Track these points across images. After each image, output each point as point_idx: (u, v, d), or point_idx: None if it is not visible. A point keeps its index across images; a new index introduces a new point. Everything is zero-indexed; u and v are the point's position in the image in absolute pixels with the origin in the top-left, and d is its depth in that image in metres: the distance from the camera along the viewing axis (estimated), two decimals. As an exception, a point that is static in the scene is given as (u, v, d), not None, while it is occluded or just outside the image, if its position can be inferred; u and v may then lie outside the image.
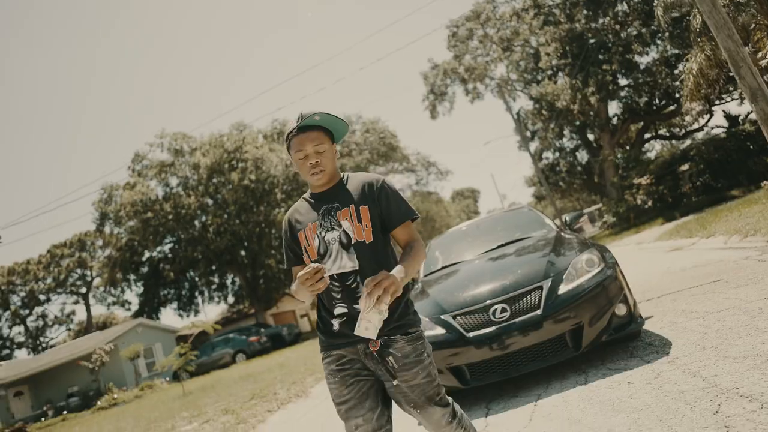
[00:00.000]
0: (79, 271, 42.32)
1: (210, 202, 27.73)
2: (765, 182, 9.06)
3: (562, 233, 4.52)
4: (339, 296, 1.73)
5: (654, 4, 12.79)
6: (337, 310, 1.74)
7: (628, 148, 29.46)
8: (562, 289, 3.38)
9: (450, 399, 1.77)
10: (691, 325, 3.59)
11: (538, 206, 54.55)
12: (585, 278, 3.42)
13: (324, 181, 1.80)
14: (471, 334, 3.34)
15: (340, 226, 1.74)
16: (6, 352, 42.21)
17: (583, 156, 31.06)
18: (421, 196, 33.47)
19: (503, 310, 3.34)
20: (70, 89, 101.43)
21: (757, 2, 11.76)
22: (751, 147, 17.68)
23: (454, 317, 3.46)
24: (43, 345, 43.51)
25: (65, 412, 18.34)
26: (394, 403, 1.78)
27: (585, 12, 21.34)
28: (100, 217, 29.26)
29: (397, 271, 1.62)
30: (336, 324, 1.73)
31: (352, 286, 1.71)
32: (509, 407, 3.18)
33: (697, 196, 19.21)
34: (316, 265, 1.58)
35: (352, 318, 1.67)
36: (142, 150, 28.39)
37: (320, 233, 1.75)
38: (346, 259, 1.72)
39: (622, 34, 22.12)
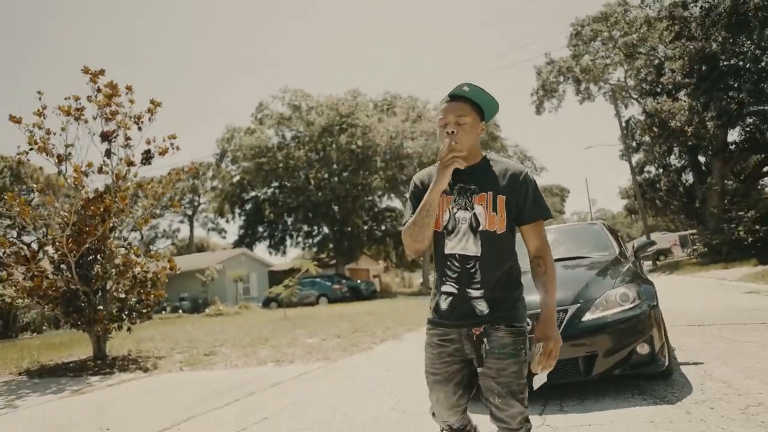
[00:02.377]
0: (190, 195, 47.77)
1: (316, 158, 30.40)
2: None
3: (621, 259, 4.59)
4: (455, 275, 1.73)
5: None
6: (446, 288, 1.74)
7: (742, 178, 28.01)
8: (587, 316, 3.47)
9: (528, 413, 1.76)
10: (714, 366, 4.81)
11: (627, 219, 52.35)
12: (613, 311, 3.49)
13: (460, 159, 1.68)
14: None
15: (473, 208, 1.72)
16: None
17: (688, 178, 29.91)
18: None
19: (528, 323, 3.72)
20: (218, 38, 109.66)
21: None
22: None
23: None
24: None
25: (180, 311, 22.11)
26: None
27: (724, 33, 20.52)
28: (220, 154, 33.11)
29: (552, 315, 1.73)
30: (444, 304, 1.74)
31: (471, 270, 1.70)
32: None
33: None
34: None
35: (459, 298, 1.71)
36: (266, 101, 31.51)
37: (452, 209, 1.74)
38: (471, 243, 1.71)
39: (762, 62, 21.06)
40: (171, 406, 4.71)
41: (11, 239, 7.48)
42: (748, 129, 23.07)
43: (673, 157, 29.83)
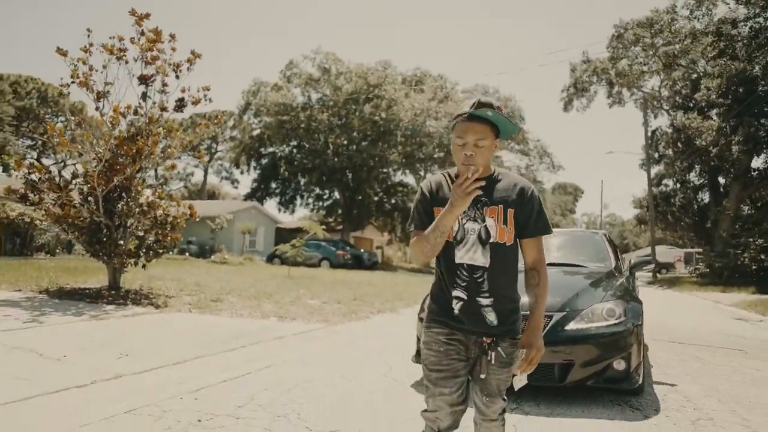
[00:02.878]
0: (208, 141, 48.17)
1: (338, 123, 30.49)
2: None
3: (616, 273, 4.67)
4: (464, 284, 1.80)
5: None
6: (456, 293, 1.80)
7: (759, 205, 27.83)
8: (570, 326, 3.56)
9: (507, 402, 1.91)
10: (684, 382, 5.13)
11: (637, 228, 52.19)
12: (596, 324, 3.57)
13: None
14: None
15: (484, 220, 1.78)
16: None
17: (704, 197, 29.75)
18: (526, 179, 34.05)
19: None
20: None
21: None
22: None
23: None
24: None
25: (187, 254, 22.78)
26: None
27: (766, 60, 20.12)
28: (244, 105, 33.25)
29: (538, 325, 1.81)
30: (457, 307, 1.81)
31: (479, 280, 1.78)
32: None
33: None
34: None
35: (468, 306, 1.79)
36: (296, 59, 31.43)
37: (462, 220, 1.79)
38: (479, 254, 1.78)
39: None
40: (182, 344, 5.15)
41: (47, 167, 7.88)
42: (773, 157, 22.83)
43: (693, 174, 29.61)
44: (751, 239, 19.81)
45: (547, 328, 3.50)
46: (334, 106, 29.95)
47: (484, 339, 1.80)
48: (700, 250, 30.46)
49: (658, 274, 34.12)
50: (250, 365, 4.45)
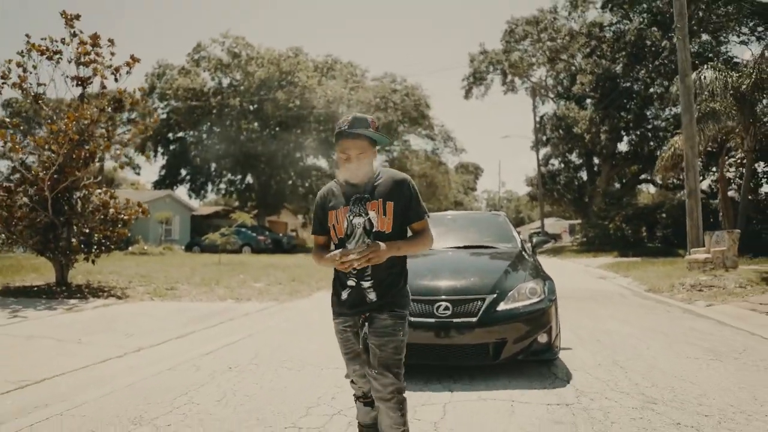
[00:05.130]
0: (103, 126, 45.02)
1: (251, 109, 30.53)
2: (686, 253, 12.26)
3: (524, 253, 4.98)
4: (354, 272, 2.04)
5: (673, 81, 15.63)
6: (349, 282, 2.08)
7: (624, 181, 32.87)
8: (501, 306, 3.77)
9: (404, 385, 2.03)
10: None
11: (529, 204, 57.73)
12: (522, 303, 3.82)
13: (357, 181, 2.07)
14: (414, 319, 3.64)
15: (367, 214, 2.04)
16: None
17: (583, 176, 34.35)
18: (431, 162, 36.62)
19: (446, 308, 3.74)
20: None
21: (739, 112, 14.87)
22: (711, 220, 21.27)
23: None
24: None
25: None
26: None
27: (625, 61, 23.95)
28: (149, 89, 31.83)
29: (391, 245, 1.98)
30: (344, 294, 2.09)
31: (365, 267, 2.01)
32: (427, 390, 3.44)
33: (654, 244, 22.92)
34: (342, 253, 1.92)
35: (355, 291, 2.07)
36: (204, 42, 30.73)
37: (349, 217, 2.05)
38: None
39: (651, 89, 24.86)
40: (169, 324, 6.15)
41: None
42: (632, 142, 27.24)
43: (574, 155, 34.01)
44: (613, 213, 23.77)
45: (482, 310, 3.72)
46: (246, 92, 29.95)
47: (363, 315, 2.07)
48: (580, 221, 35.25)
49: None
50: (237, 334, 5.65)
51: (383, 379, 1.98)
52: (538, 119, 34.03)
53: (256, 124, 30.48)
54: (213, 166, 35.30)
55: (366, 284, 2.05)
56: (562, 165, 35.67)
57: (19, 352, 4.72)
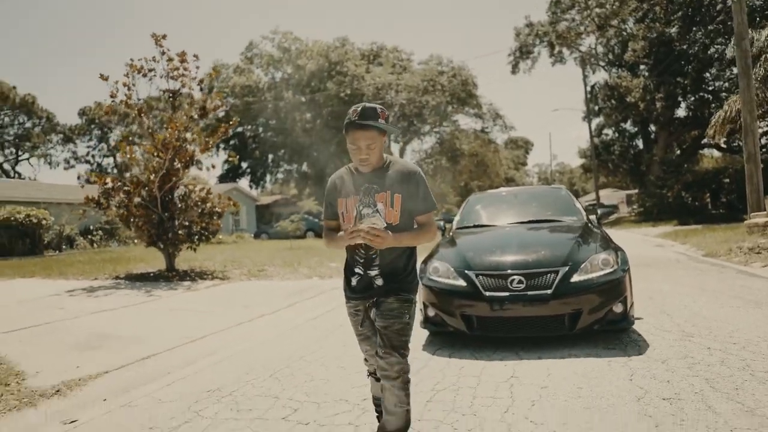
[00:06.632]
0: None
1: (304, 101, 31.92)
2: (747, 218, 12.16)
3: (590, 225, 4.98)
4: (362, 261, 2.17)
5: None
6: (357, 270, 2.20)
7: (684, 147, 31.78)
8: (575, 278, 3.83)
9: (409, 366, 2.13)
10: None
11: (583, 176, 56.34)
12: (596, 274, 3.87)
13: (368, 170, 2.15)
14: (488, 293, 3.85)
15: (375, 205, 2.11)
16: (98, 177, 49.75)
17: (639, 144, 33.48)
18: (481, 141, 36.80)
19: (520, 281, 3.83)
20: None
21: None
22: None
23: (476, 275, 3.99)
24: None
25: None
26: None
27: (680, 24, 23.18)
28: (208, 89, 33.93)
29: (396, 236, 2.04)
30: (354, 281, 2.22)
31: (373, 256, 2.14)
32: (496, 359, 3.57)
33: (717, 211, 22.41)
34: (354, 225, 2.03)
35: (363, 279, 2.19)
36: (255, 40, 32.30)
37: (359, 207, 2.12)
38: None
39: (710, 50, 23.95)
40: (271, 299, 7.33)
41: (116, 176, 9.63)
42: (690, 107, 26.34)
43: (628, 124, 33.19)
44: (671, 181, 23.33)
45: (556, 282, 3.80)
46: (298, 85, 31.28)
47: (371, 300, 2.20)
48: (637, 191, 34.46)
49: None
50: (332, 303, 6.74)
51: (390, 359, 2.08)
52: (588, 89, 33.41)
53: (309, 115, 31.84)
54: (270, 157, 37.15)
55: (373, 273, 2.16)
56: (616, 134, 34.89)
57: (171, 320, 6.01)
